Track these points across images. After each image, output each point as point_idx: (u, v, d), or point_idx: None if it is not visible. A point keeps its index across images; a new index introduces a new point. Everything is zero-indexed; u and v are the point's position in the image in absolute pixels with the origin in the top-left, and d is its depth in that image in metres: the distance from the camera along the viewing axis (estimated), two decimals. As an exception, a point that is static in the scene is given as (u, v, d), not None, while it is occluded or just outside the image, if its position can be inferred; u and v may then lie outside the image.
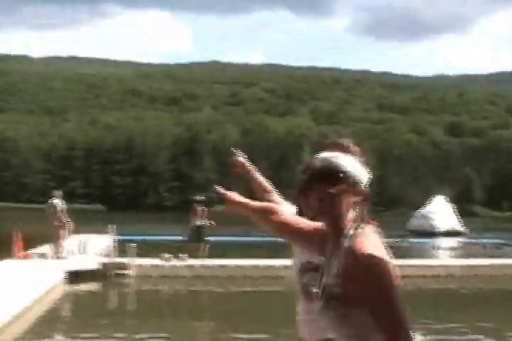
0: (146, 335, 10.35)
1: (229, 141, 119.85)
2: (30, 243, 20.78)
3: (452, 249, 32.43)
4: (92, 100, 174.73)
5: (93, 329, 11.75)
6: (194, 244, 19.86)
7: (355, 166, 2.63)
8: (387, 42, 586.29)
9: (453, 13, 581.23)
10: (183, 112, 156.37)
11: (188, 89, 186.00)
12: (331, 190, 2.49)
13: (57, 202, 19.71)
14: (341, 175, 2.52)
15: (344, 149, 3.28)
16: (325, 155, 2.60)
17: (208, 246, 20.06)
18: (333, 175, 2.52)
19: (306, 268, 3.38)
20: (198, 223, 19.83)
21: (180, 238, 23.86)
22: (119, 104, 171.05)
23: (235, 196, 2.81)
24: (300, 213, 2.94)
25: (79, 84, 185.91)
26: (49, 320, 13.02)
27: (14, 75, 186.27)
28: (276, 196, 4.02)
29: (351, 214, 2.53)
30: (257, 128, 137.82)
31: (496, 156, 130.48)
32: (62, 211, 19.68)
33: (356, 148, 3.47)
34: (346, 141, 3.59)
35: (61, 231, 19.71)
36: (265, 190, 3.97)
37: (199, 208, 20.00)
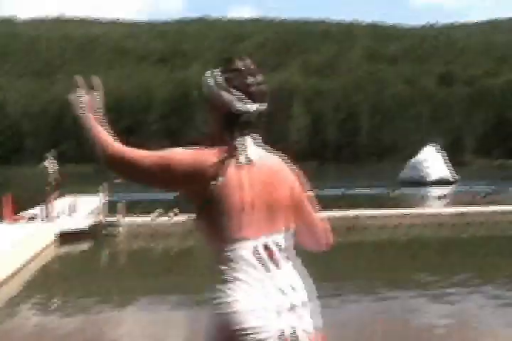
0: (140, 294, 10.48)
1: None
2: (21, 206, 20.84)
3: (443, 197, 32.62)
4: (80, 61, 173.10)
5: (85, 289, 11.85)
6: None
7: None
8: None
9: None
10: (173, 70, 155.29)
11: (178, 47, 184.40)
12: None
13: (49, 163, 19.69)
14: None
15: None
16: None
17: None
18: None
19: None
20: None
21: (172, 196, 23.81)
22: (108, 64, 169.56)
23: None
24: None
25: (67, 45, 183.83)
26: (40, 281, 13.16)
27: (0, 39, 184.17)
28: None
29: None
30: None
31: (487, 105, 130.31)
32: (54, 172, 19.67)
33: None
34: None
35: (52, 193, 19.75)
36: None
37: None
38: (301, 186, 2.64)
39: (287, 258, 2.53)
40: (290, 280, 2.48)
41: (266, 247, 2.47)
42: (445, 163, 47.40)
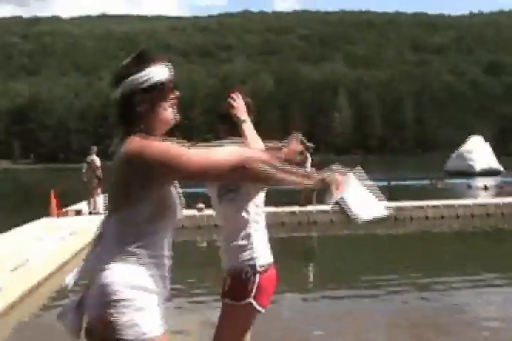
0: (183, 286, 10.55)
1: (264, 90, 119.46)
2: (67, 201, 21.17)
3: (485, 188, 32.18)
4: (124, 57, 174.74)
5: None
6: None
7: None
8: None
9: None
10: (216, 64, 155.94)
11: (221, 41, 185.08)
12: None
13: (96, 158, 19.98)
14: None
15: None
16: None
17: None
18: None
19: None
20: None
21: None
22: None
23: None
24: None
25: (111, 42, 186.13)
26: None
27: (46, 37, 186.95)
28: None
29: None
30: (292, 76, 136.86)
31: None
32: (99, 167, 19.93)
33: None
34: None
35: (98, 187, 20.04)
36: None
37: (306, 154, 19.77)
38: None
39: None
40: None
41: None
42: (492, 153, 46.80)
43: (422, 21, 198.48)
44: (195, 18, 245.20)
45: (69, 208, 20.82)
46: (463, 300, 9.29)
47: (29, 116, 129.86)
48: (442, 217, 20.03)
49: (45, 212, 19.16)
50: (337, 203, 2.84)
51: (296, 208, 19.73)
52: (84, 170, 19.92)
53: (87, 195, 20.18)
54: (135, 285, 2.51)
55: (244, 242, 3.66)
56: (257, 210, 3.72)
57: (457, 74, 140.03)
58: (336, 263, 13.33)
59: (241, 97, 3.85)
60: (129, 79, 2.61)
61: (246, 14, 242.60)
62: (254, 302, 3.59)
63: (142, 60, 2.66)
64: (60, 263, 12.55)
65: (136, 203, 2.52)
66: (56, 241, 13.68)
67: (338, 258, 14.25)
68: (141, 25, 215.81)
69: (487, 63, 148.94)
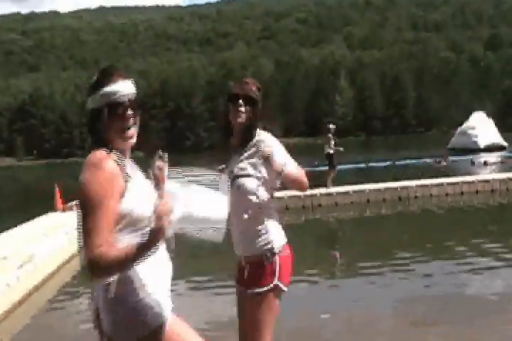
0: (206, 278, 10.58)
1: (264, 75, 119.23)
2: (71, 195, 21.23)
3: (494, 163, 32.14)
4: (124, 48, 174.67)
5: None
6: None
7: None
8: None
9: None
10: (216, 52, 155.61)
11: (220, 28, 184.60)
12: None
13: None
14: None
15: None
16: None
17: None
18: None
19: None
20: (329, 150, 20.13)
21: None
22: (151, 50, 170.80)
23: None
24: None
25: (110, 34, 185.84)
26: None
27: (44, 32, 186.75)
28: None
29: None
30: (292, 60, 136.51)
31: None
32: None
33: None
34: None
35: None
36: None
37: (330, 136, 20.18)
38: None
39: None
40: None
41: None
42: (496, 128, 46.64)
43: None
44: (193, 6, 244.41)
45: (74, 202, 20.89)
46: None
47: (31, 112, 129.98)
48: (446, 195, 20.05)
49: (50, 208, 19.25)
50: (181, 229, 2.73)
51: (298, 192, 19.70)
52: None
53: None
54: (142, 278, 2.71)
55: (258, 228, 3.68)
56: (268, 194, 3.71)
57: (456, 51, 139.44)
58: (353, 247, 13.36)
59: (251, 85, 3.76)
60: (97, 93, 2.71)
61: (243, 0, 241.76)
62: (279, 284, 3.65)
63: (108, 76, 2.73)
64: (66, 257, 12.63)
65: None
66: (62, 235, 13.76)
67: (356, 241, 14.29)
68: (139, 16, 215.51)
69: (486, 38, 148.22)
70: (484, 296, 8.06)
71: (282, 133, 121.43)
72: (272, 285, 3.63)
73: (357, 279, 9.74)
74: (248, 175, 3.64)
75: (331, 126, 20.39)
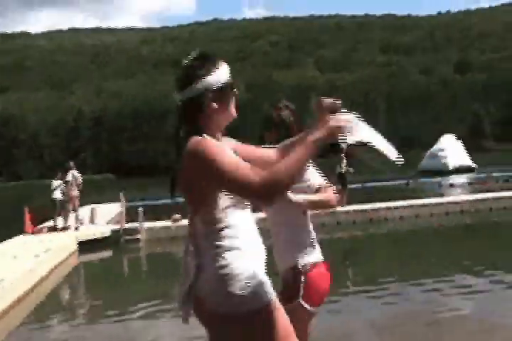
0: (159, 301, 10.54)
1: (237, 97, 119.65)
2: (41, 217, 21.11)
3: (462, 185, 32.52)
4: (96, 70, 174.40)
5: (108, 296, 11.95)
6: None
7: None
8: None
9: None
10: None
11: (192, 50, 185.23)
12: None
13: (76, 172, 20.05)
14: None
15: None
16: None
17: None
18: None
19: None
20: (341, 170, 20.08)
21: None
22: (123, 72, 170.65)
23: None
24: None
25: (82, 55, 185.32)
26: (65, 289, 13.32)
27: (17, 53, 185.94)
28: None
29: None
30: (264, 82, 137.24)
31: (504, 90, 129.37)
32: (78, 182, 20.03)
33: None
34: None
35: (75, 202, 20.13)
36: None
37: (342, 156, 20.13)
38: None
39: None
40: None
41: None
42: (464, 150, 47.22)
43: (390, 23, 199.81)
44: (166, 28, 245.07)
45: (43, 225, 20.75)
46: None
47: (1, 133, 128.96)
48: (416, 216, 20.21)
49: (19, 230, 19.10)
50: (361, 143, 2.75)
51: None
52: (55, 187, 19.85)
53: (61, 211, 20.14)
54: (237, 266, 2.66)
55: (290, 244, 3.72)
56: (298, 211, 3.78)
57: (427, 74, 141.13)
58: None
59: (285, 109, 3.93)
60: (201, 81, 2.74)
61: (216, 23, 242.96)
62: (302, 302, 3.59)
63: (207, 62, 2.81)
64: (35, 281, 12.51)
65: (211, 201, 2.66)
66: (31, 259, 13.63)
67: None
68: (111, 38, 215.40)
69: (455, 61, 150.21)
70: (461, 314, 8.13)
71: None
72: (294, 303, 3.57)
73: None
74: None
75: (344, 146, 20.56)
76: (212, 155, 2.54)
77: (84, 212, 22.22)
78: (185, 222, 19.10)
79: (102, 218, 21.95)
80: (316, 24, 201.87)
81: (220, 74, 2.78)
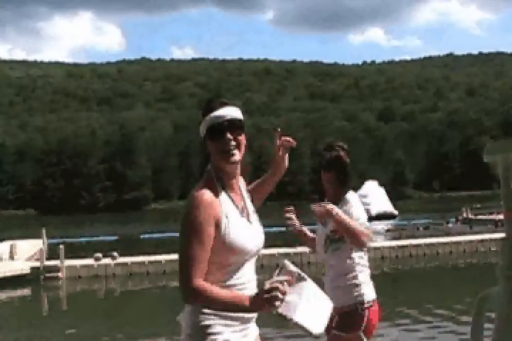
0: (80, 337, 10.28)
1: (163, 137, 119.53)
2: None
3: (384, 231, 33.07)
4: (21, 103, 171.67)
5: (27, 335, 11.61)
6: None
7: None
8: (316, 32, 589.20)
9: (377, 1, 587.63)
10: (115, 111, 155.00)
11: (119, 88, 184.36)
12: None
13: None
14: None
15: None
16: None
17: None
18: None
19: None
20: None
21: (114, 237, 23.61)
22: (49, 106, 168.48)
23: None
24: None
25: (7, 87, 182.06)
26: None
27: None
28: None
29: None
30: (191, 124, 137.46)
31: (426, 139, 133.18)
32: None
33: None
34: None
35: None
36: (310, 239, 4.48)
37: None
38: None
39: None
40: None
41: None
42: (387, 197, 48.01)
43: (317, 69, 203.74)
44: (93, 64, 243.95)
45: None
46: None
47: None
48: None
49: None
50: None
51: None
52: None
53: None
54: None
55: (351, 282, 3.98)
56: (360, 254, 4.04)
57: (351, 121, 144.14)
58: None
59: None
60: (202, 121, 2.80)
61: (144, 61, 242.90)
62: (362, 335, 3.90)
63: (211, 104, 2.79)
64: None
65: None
66: None
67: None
68: (38, 71, 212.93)
69: (379, 110, 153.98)
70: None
71: (179, 196, 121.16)
72: (351, 335, 3.90)
73: None
74: (342, 239, 3.99)
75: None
76: (191, 223, 2.57)
77: (4, 247, 21.60)
78: (106, 260, 18.85)
79: (22, 254, 21.37)
80: (245, 68, 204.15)
81: (217, 114, 2.75)
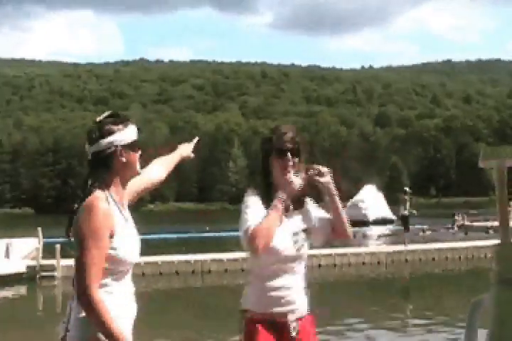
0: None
1: (158, 139, 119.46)
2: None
3: (382, 236, 33.16)
4: (17, 102, 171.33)
5: (22, 334, 11.65)
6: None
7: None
8: (313, 36, 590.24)
9: (375, 6, 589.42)
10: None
11: (116, 88, 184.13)
12: None
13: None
14: None
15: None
16: None
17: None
18: None
19: None
20: (404, 212, 21.01)
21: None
22: (45, 106, 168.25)
23: None
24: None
25: (3, 86, 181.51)
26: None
27: None
28: None
29: None
30: (187, 126, 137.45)
31: (421, 145, 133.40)
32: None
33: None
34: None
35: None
36: None
37: (406, 198, 20.96)
38: None
39: None
40: None
41: None
42: (385, 202, 47.76)
43: (314, 74, 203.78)
44: (91, 64, 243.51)
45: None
46: None
47: None
48: (335, 266, 20.46)
49: None
50: None
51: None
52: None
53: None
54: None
55: (305, 288, 3.56)
56: None
57: (347, 125, 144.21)
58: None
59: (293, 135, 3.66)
60: (111, 136, 2.90)
61: (142, 63, 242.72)
62: None
63: (118, 120, 2.98)
64: None
65: None
66: None
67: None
68: (35, 70, 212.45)
69: (375, 115, 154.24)
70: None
71: (174, 198, 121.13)
72: None
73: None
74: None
75: (407, 189, 21.47)
76: (90, 230, 2.71)
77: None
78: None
79: (18, 253, 21.38)
80: (242, 71, 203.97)
81: (129, 132, 2.96)
